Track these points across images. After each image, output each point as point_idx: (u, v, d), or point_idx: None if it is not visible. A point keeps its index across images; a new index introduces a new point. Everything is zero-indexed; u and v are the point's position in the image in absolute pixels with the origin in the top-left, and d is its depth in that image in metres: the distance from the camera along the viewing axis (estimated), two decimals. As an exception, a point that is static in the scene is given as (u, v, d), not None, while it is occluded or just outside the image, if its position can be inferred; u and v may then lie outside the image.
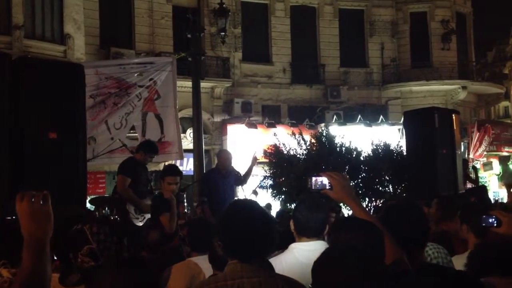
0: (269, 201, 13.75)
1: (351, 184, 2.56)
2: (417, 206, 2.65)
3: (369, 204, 12.36)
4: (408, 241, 2.41)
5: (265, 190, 13.70)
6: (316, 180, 2.57)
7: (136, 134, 8.81)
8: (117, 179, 6.64)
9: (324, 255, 1.82)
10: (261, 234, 2.32)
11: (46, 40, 17.32)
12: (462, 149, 19.26)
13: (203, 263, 3.59)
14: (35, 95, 4.37)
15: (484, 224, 2.95)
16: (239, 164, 14.84)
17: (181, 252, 4.22)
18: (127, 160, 6.78)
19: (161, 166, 15.59)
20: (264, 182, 13.59)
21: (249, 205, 2.47)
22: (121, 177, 6.52)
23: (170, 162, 16.13)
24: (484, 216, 2.96)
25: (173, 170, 6.14)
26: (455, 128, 7.90)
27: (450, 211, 3.97)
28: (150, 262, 3.61)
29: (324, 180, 2.55)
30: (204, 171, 12.60)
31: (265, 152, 14.37)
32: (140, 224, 6.21)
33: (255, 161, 8.26)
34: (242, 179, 7.96)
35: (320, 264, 1.77)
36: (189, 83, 14.19)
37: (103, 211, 8.49)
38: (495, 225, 2.91)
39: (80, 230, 3.48)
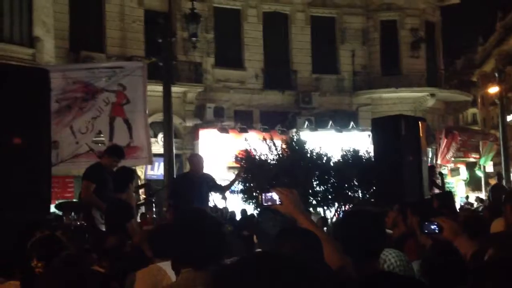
0: (240, 205, 13.78)
1: (299, 198, 2.67)
2: (370, 214, 2.71)
3: (338, 209, 12.48)
4: (361, 249, 2.47)
5: (235, 195, 13.72)
6: (266, 196, 2.69)
7: (103, 139, 8.73)
8: (82, 184, 6.58)
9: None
10: (210, 240, 2.37)
11: (14, 42, 17.02)
12: (430, 155, 19.62)
13: (167, 268, 3.58)
14: (-3, 99, 4.32)
15: (426, 231, 3.01)
16: (210, 169, 14.84)
17: (144, 257, 4.20)
18: (93, 165, 6.73)
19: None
20: (235, 187, 13.61)
21: (197, 213, 2.52)
22: (86, 182, 6.48)
23: (139, 167, 16.06)
24: (425, 223, 3.02)
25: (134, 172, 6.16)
26: (421, 135, 8.05)
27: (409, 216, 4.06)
28: (111, 268, 3.59)
29: (274, 195, 2.67)
30: (175, 176, 12.55)
31: (236, 157, 14.39)
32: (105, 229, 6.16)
33: (238, 177, 8.29)
34: (219, 187, 7.95)
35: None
36: (161, 88, 14.14)
37: (70, 217, 8.39)
38: (436, 231, 2.98)
39: (50, 236, 3.44)
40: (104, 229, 6.25)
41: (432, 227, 2.99)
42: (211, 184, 7.89)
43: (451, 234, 2.93)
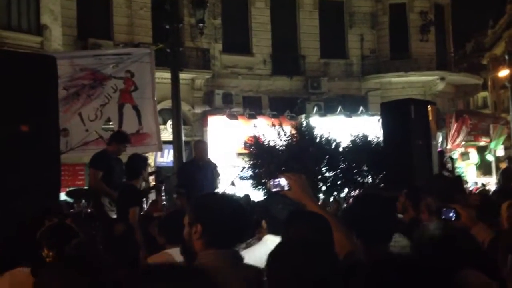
0: (249, 192, 13.79)
1: (307, 183, 2.66)
2: (381, 198, 2.69)
3: (348, 195, 12.48)
4: (372, 233, 2.45)
5: (245, 181, 13.74)
6: (274, 182, 2.68)
7: (112, 126, 8.73)
8: (89, 172, 6.62)
9: (276, 249, 1.86)
10: (244, 225, 2.40)
11: (22, 31, 17.04)
12: (441, 139, 19.48)
13: (176, 255, 3.60)
14: (5, 88, 4.32)
15: (443, 217, 3.00)
16: (219, 155, 14.85)
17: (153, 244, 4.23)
18: (99, 153, 6.76)
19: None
20: (244, 173, 13.64)
21: (224, 195, 2.53)
22: (93, 170, 6.51)
23: (149, 154, 16.13)
24: (444, 209, 3.02)
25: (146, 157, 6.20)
26: (430, 119, 8.02)
27: (418, 201, 4.04)
28: (119, 255, 3.61)
29: (282, 181, 2.66)
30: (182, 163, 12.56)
31: (245, 143, 14.39)
32: (115, 216, 6.20)
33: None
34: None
35: (273, 258, 1.81)
36: (169, 74, 14.12)
37: (81, 204, 8.43)
38: (454, 218, 2.97)
39: (61, 224, 3.44)
40: (113, 216, 6.29)
41: (450, 214, 2.98)
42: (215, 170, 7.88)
43: (469, 221, 2.92)
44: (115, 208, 6.29)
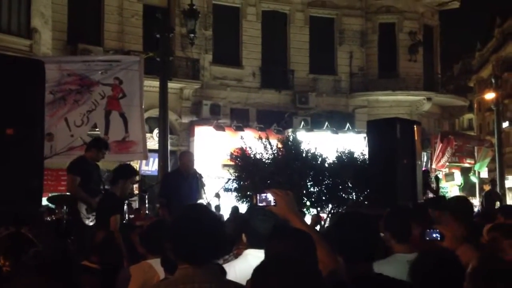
0: (234, 204, 13.75)
1: (293, 200, 2.65)
2: (364, 216, 2.68)
3: (332, 211, 12.46)
4: (355, 251, 2.44)
5: (229, 193, 13.68)
6: (261, 197, 2.67)
7: (98, 132, 8.68)
8: (67, 178, 6.57)
9: (261, 266, 1.84)
10: (210, 238, 2.32)
11: (12, 33, 16.91)
12: (425, 159, 19.63)
13: (156, 265, 3.57)
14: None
15: (427, 238, 3.00)
16: (205, 166, 14.79)
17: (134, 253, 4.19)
18: (76, 159, 6.74)
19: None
20: (229, 185, 13.58)
21: (199, 209, 2.48)
22: (70, 176, 6.48)
23: (134, 162, 16.03)
24: (428, 230, 3.02)
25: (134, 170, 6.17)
26: (416, 139, 8.09)
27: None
28: (101, 263, 3.57)
29: (268, 196, 2.65)
30: (165, 173, 12.50)
31: (231, 155, 14.35)
32: (91, 223, 6.15)
33: None
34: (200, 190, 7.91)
35: (259, 276, 1.80)
36: (157, 83, 14.10)
37: (62, 210, 8.35)
38: (438, 239, 2.97)
39: (16, 233, 3.34)
40: (88, 223, 6.25)
41: (434, 235, 2.97)
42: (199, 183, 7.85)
43: (453, 242, 2.92)
44: (91, 215, 6.24)
